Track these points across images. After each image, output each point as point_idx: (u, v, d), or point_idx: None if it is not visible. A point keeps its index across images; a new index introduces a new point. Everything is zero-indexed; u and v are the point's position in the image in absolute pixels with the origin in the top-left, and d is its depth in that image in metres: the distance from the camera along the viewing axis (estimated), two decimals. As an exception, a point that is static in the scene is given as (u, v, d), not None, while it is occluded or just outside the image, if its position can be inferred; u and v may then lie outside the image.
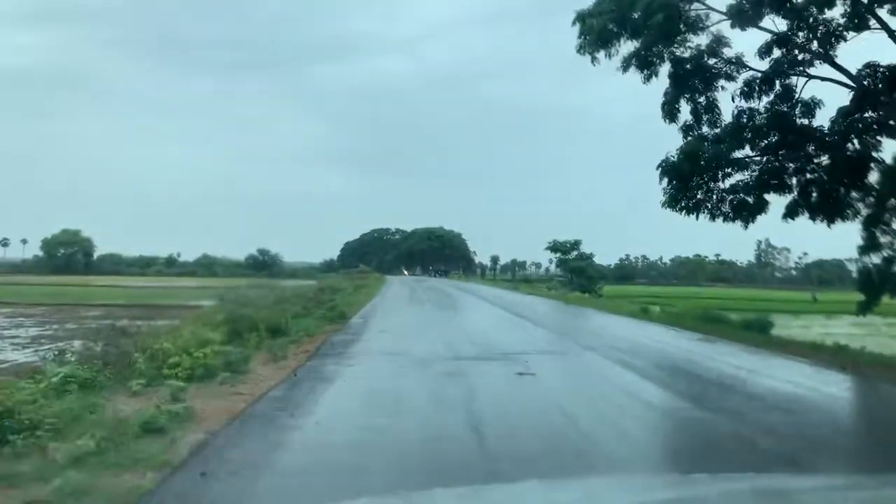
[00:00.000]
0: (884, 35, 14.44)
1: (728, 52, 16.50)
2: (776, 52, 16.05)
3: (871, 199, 15.50)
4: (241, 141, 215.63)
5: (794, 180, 16.41)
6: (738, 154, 16.64)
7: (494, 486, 2.46)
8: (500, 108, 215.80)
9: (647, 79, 16.52)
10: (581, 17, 16.32)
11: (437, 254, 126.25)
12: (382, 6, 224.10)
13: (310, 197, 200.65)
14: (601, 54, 16.40)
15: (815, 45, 15.70)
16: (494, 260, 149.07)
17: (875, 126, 15.44)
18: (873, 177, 15.44)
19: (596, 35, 16.03)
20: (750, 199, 16.42)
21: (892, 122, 15.11)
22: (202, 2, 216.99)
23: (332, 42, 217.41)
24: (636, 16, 15.59)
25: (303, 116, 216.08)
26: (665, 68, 16.51)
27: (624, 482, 2.54)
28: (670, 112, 16.97)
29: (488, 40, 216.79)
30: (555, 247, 55.68)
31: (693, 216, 16.65)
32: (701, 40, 16.41)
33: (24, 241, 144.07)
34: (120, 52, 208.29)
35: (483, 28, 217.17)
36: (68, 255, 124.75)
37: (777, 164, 16.41)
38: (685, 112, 16.98)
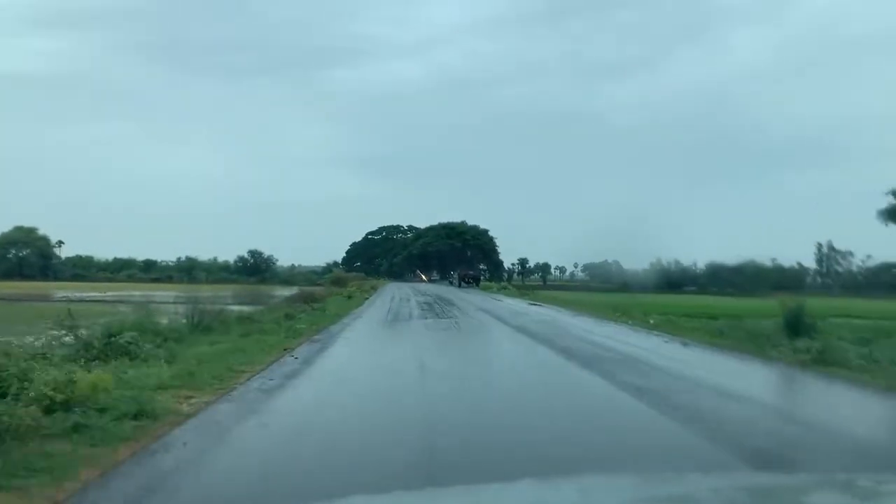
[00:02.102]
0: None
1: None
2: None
3: None
4: (250, 145, 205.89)
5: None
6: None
7: (489, 486, 2.30)
8: (514, 111, 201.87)
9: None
10: None
11: (458, 254, 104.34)
12: (394, 10, 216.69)
13: (320, 201, 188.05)
14: None
15: None
16: (523, 263, 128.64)
17: None
18: None
19: None
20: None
21: None
22: (214, 4, 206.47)
23: (343, 45, 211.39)
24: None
25: (313, 120, 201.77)
26: None
27: (618, 481, 2.40)
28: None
29: (501, 43, 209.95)
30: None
31: None
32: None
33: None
34: (129, 56, 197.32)
35: (496, 31, 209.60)
36: (21, 256, 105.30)
37: None
38: None
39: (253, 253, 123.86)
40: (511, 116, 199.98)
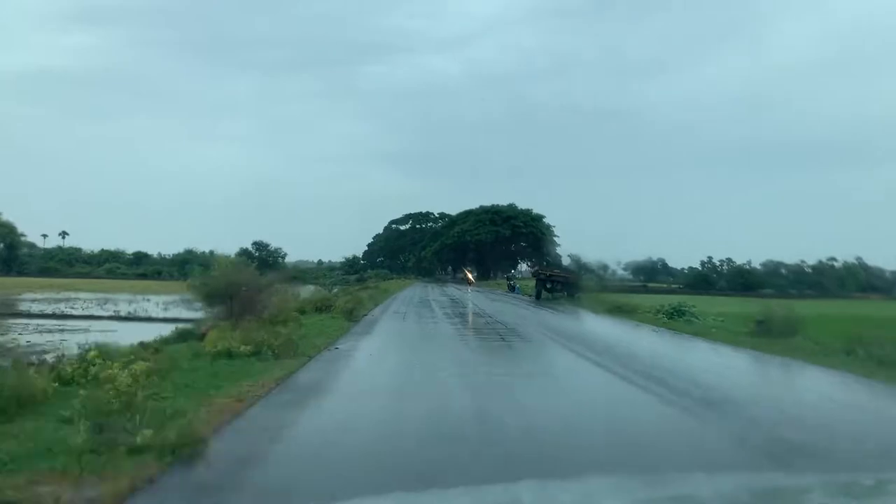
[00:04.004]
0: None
1: None
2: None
3: None
4: (279, 141, 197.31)
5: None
6: None
7: (493, 486, 2.28)
8: (550, 107, 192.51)
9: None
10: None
11: (504, 246, 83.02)
12: (428, 4, 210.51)
13: (349, 196, 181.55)
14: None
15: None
16: (576, 260, 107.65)
17: None
18: None
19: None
20: None
21: None
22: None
23: (377, 41, 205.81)
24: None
25: (347, 116, 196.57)
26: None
27: (621, 482, 2.35)
28: None
29: (538, 38, 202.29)
30: None
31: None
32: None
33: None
34: (161, 52, 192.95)
35: (532, 25, 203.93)
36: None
37: None
38: None
39: (258, 245, 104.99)
40: (546, 112, 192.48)
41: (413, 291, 50.95)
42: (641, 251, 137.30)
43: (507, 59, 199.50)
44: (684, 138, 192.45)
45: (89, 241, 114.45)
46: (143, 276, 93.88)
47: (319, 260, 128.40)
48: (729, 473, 3.51)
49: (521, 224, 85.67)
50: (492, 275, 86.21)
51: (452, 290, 54.82)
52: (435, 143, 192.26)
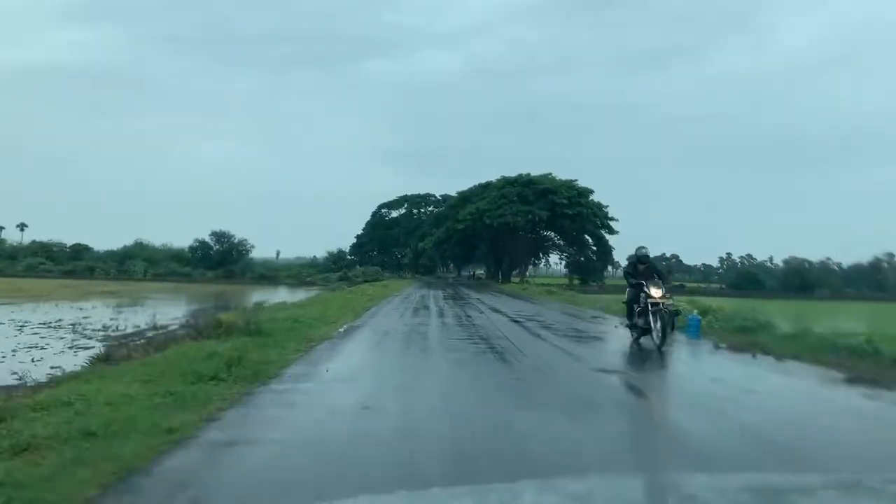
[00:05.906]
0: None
1: None
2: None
3: None
4: (279, 137, 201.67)
5: None
6: None
7: (492, 486, 2.21)
8: (553, 101, 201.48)
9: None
10: None
11: (536, 233, 61.87)
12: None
13: (351, 193, 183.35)
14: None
15: None
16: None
17: None
18: None
19: None
20: None
21: None
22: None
23: (380, 36, 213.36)
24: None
25: (346, 112, 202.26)
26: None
27: (624, 481, 2.38)
28: None
29: (540, 32, 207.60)
30: None
31: None
32: None
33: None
34: (165, 48, 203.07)
35: (534, 20, 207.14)
36: None
37: None
38: None
39: (218, 236, 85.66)
40: (550, 106, 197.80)
41: (391, 336, 14.63)
42: (651, 247, 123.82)
43: (508, 53, 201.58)
44: (688, 134, 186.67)
45: (72, 237, 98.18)
46: (69, 274, 74.78)
47: (314, 256, 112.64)
48: (732, 474, 3.31)
49: (566, 202, 59.09)
50: (500, 275, 65.48)
51: (505, 323, 18.59)
52: (435, 139, 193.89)
